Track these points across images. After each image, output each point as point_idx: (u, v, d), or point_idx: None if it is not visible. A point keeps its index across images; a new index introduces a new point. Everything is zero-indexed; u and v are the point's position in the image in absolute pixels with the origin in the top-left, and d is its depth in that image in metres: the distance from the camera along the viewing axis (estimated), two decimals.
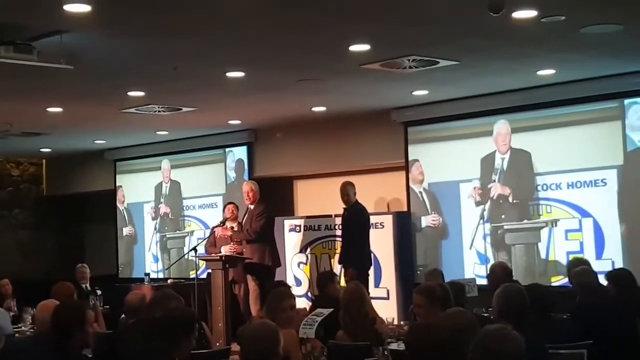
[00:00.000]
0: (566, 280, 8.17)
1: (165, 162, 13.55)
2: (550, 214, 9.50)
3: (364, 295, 6.31)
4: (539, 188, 9.60)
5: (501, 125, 9.87)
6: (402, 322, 6.86)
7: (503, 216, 9.88)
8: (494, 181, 9.94)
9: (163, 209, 13.60)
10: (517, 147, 9.80)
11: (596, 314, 5.97)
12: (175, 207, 13.46)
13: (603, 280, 6.88)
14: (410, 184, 10.79)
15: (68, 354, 4.82)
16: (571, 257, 8.73)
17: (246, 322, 8.59)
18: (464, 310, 4.76)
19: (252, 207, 10.33)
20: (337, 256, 10.42)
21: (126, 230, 14.34)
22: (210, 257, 10.21)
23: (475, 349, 3.33)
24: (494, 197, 9.92)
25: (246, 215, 10.39)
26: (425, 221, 10.62)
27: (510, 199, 9.80)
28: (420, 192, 10.72)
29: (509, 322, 4.86)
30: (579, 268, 7.00)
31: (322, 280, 8.14)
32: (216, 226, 10.73)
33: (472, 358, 3.33)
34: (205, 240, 10.86)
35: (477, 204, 10.10)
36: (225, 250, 10.22)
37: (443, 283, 6.63)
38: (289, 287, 9.05)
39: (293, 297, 5.68)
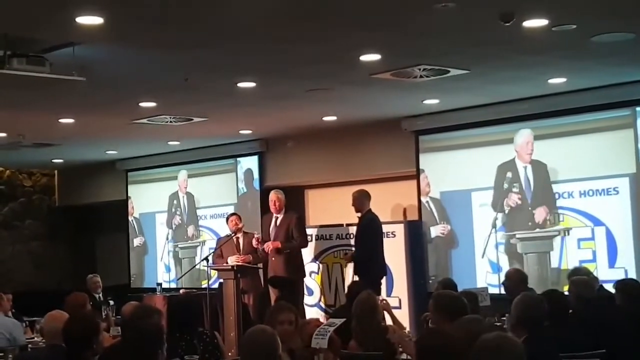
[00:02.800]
0: None
1: (182, 173, 13.57)
2: (562, 223, 9.48)
3: (376, 305, 6.30)
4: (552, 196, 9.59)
5: (526, 134, 9.81)
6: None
7: (515, 225, 9.85)
8: (510, 190, 9.87)
9: (179, 219, 13.62)
10: (534, 157, 9.78)
11: (599, 324, 5.92)
12: (189, 217, 13.49)
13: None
14: None
15: None
16: (572, 267, 8.69)
17: None
18: (479, 317, 4.75)
19: (279, 216, 10.35)
20: (348, 265, 10.45)
21: (137, 241, 14.38)
22: (221, 266, 10.22)
23: (473, 359, 3.30)
24: (514, 206, 9.85)
25: (274, 224, 10.36)
26: (435, 231, 10.61)
27: (528, 208, 9.75)
28: (427, 202, 10.72)
29: (525, 330, 4.86)
30: (575, 278, 6.96)
31: (355, 292, 7.95)
32: (223, 237, 10.80)
33: None
34: (213, 252, 10.89)
35: (496, 208, 10.03)
36: (233, 260, 10.24)
37: (460, 294, 6.58)
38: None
39: (291, 310, 5.63)
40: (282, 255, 10.18)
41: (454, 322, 4.60)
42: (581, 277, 6.97)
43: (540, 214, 9.66)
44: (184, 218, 13.55)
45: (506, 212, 9.92)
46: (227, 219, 10.90)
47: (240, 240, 10.61)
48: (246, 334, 4.17)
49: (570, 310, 6.01)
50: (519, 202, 9.82)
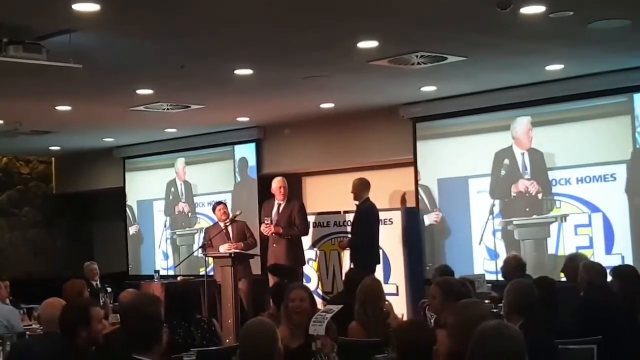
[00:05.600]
0: None
1: (180, 161, 13.57)
2: (559, 209, 9.49)
3: (381, 290, 6.37)
4: (548, 183, 9.60)
5: (526, 121, 9.77)
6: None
7: (512, 211, 9.86)
8: (521, 177, 9.83)
9: (178, 206, 13.61)
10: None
11: (603, 311, 5.97)
12: (186, 205, 13.50)
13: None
14: None
15: (75, 352, 4.85)
16: (568, 254, 8.69)
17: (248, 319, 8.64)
18: (479, 301, 4.78)
19: (282, 203, 10.36)
20: (345, 252, 10.48)
21: (132, 229, 14.37)
22: (219, 254, 10.24)
23: (473, 348, 3.30)
24: (518, 193, 9.81)
25: (276, 211, 10.35)
26: (429, 218, 10.62)
27: (529, 195, 9.74)
28: (419, 190, 10.72)
29: (520, 317, 4.88)
30: (587, 262, 7.02)
31: (352, 279, 7.91)
32: (211, 228, 10.91)
33: (470, 357, 3.29)
34: (202, 243, 10.91)
35: (493, 195, 10.03)
36: (224, 249, 10.24)
37: (464, 280, 6.63)
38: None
39: (303, 288, 5.73)
40: (283, 243, 10.19)
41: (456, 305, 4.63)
42: (594, 263, 7.04)
43: (537, 200, 9.67)
44: (182, 205, 13.56)
45: (512, 198, 9.87)
46: (214, 208, 10.89)
47: (230, 229, 10.62)
48: (244, 326, 4.18)
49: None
50: (530, 188, 9.78)
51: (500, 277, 8.42)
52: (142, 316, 4.16)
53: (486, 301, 6.94)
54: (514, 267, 7.76)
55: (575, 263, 7.29)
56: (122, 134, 12.80)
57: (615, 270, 6.82)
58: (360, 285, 6.31)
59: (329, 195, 11.98)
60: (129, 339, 4.18)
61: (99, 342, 5.01)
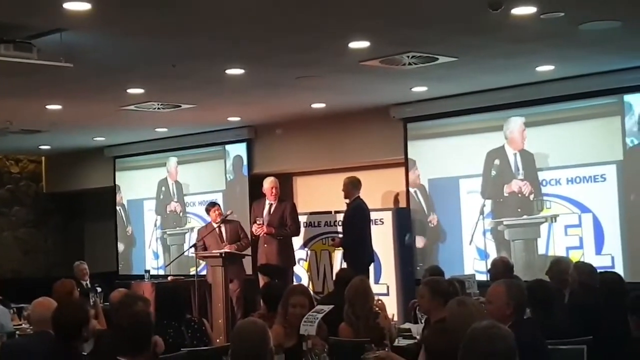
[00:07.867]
0: None
1: (172, 160, 13.54)
2: (549, 210, 9.52)
3: (369, 290, 6.37)
4: (538, 184, 9.62)
5: (520, 121, 9.78)
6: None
7: (503, 212, 9.88)
8: (514, 177, 9.84)
9: (170, 205, 13.58)
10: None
11: (592, 311, 5.99)
12: (177, 204, 13.48)
13: None
14: None
15: (73, 353, 4.84)
16: (554, 257, 8.71)
17: (238, 319, 8.67)
18: (465, 298, 4.79)
19: (273, 203, 10.36)
20: (336, 252, 10.48)
21: (125, 230, 14.32)
22: (210, 254, 10.23)
23: (464, 349, 3.28)
24: (510, 193, 9.81)
25: (268, 211, 10.35)
26: (422, 218, 10.62)
27: (521, 195, 9.75)
28: (415, 191, 10.74)
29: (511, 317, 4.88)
30: (578, 263, 7.06)
31: (343, 280, 7.90)
32: (203, 229, 10.87)
33: (462, 358, 3.27)
34: (194, 244, 10.90)
35: (484, 195, 10.04)
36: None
37: (452, 280, 6.68)
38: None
39: (305, 295, 5.83)
40: (274, 243, 10.18)
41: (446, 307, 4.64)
42: (586, 264, 7.08)
43: (528, 200, 9.69)
44: (174, 205, 13.54)
45: (504, 198, 9.87)
46: (208, 210, 10.86)
47: (223, 229, 10.61)
48: (236, 327, 4.18)
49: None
50: (523, 188, 9.77)
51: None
52: (134, 319, 4.18)
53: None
54: (501, 270, 7.76)
55: (560, 267, 7.33)
56: (113, 133, 12.77)
57: (601, 278, 6.82)
58: (348, 285, 6.33)
59: (319, 195, 11.98)
60: (120, 341, 4.19)
61: (87, 340, 5.02)
